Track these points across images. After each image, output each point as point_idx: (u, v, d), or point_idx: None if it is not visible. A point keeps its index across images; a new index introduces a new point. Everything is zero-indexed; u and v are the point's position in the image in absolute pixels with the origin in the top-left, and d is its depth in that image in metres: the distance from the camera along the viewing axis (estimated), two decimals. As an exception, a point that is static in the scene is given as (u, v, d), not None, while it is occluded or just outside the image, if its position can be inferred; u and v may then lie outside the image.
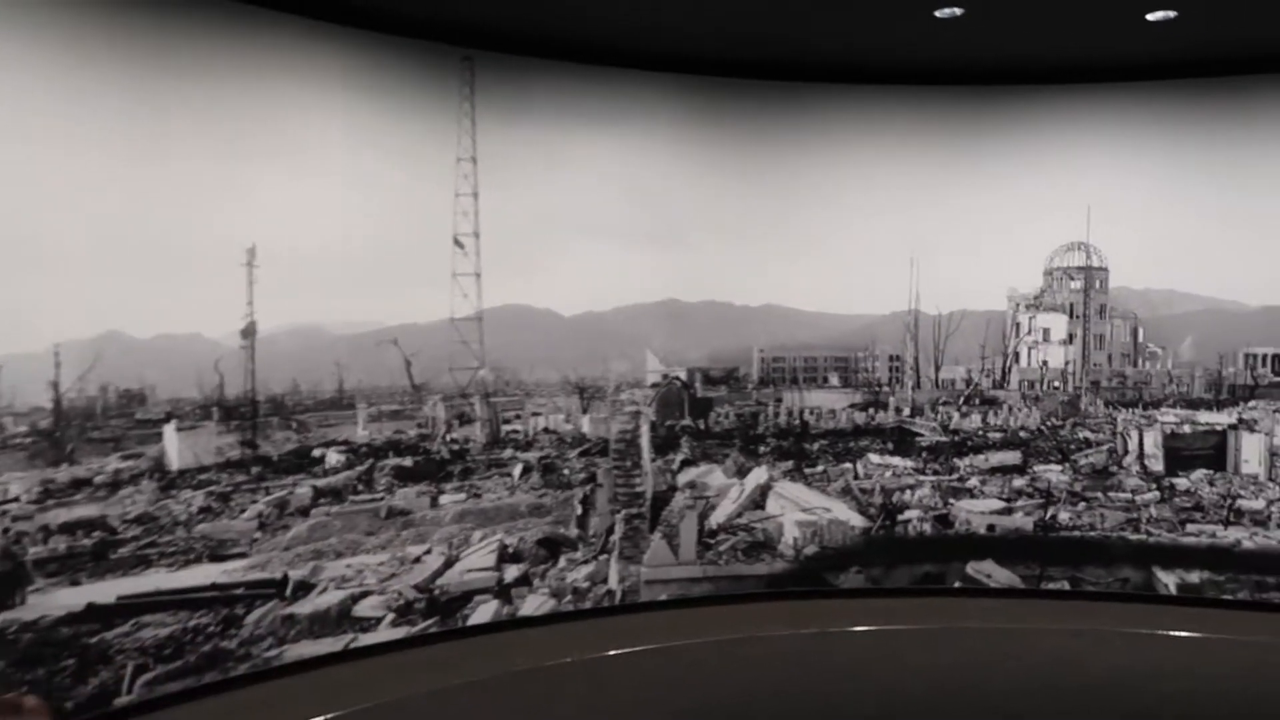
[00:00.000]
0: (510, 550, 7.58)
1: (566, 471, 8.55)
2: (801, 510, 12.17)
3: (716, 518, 12.53)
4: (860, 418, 13.48)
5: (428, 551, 6.87)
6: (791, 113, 9.32)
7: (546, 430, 8.94)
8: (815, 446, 12.66)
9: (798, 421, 13.54)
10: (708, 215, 9.50)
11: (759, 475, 13.34)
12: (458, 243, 7.30)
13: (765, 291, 10.12)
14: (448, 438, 7.43)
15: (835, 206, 9.78)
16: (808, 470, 11.77)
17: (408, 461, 6.95)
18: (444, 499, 7.14)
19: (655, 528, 9.09)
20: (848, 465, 12.95)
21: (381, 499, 6.72)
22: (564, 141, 8.26)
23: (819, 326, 11.53)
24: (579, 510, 8.51)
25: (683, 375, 11.35)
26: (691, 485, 11.75)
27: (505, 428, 8.41)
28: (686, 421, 10.96)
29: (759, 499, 13.55)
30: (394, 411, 7.03)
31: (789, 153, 9.40)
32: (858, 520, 10.64)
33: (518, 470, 8.12)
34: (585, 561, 8.03)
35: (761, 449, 11.53)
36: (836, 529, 10.63)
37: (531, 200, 7.87)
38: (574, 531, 8.44)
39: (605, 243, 8.80)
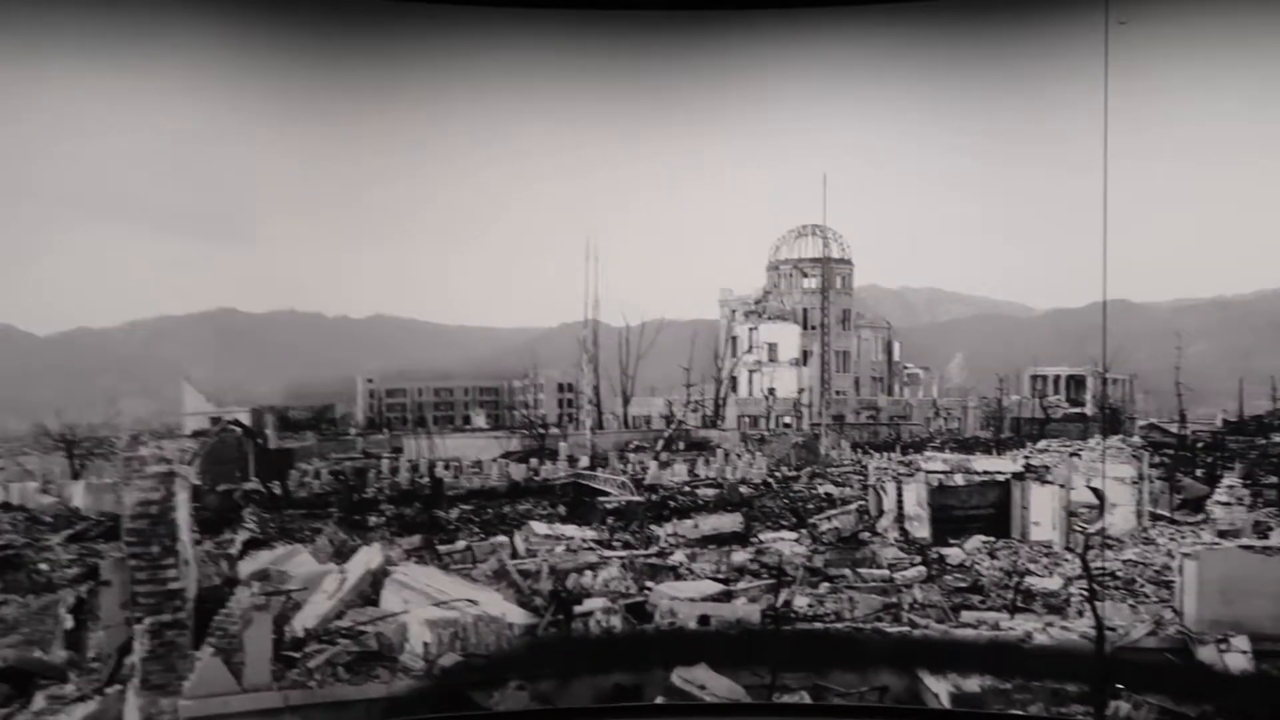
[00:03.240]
0: (-60, 689, 6.53)
1: (44, 566, 7.53)
2: (435, 604, 11.74)
3: (304, 620, 11.75)
4: (519, 472, 13.13)
5: None
6: (403, 43, 8.67)
7: (7, 506, 7.88)
8: (454, 514, 12.17)
9: (427, 479, 13.09)
10: (283, 191, 8.67)
11: (369, 557, 12.65)
12: None
13: (373, 297, 9.40)
14: None
15: (474, 177, 9.18)
16: (444, 548, 11.24)
17: None
18: None
19: (204, 641, 8.25)
20: (502, 539, 12.60)
21: None
22: (37, 83, 7.23)
23: (457, 345, 10.98)
24: (68, 623, 7.54)
25: (245, 418, 10.56)
26: (263, 576, 10.93)
27: (-76, 504, 7.31)
28: (253, 484, 10.13)
29: (370, 591, 13.02)
30: None
31: (401, 102, 8.73)
32: (518, 615, 10.20)
33: (-53, 569, 7.06)
34: (83, 697, 7.11)
35: (373, 520, 10.81)
36: (487, 628, 10.14)
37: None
38: (60, 654, 7.46)
39: (113, 228, 7.76)
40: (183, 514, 9.48)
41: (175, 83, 7.30)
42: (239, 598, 12.50)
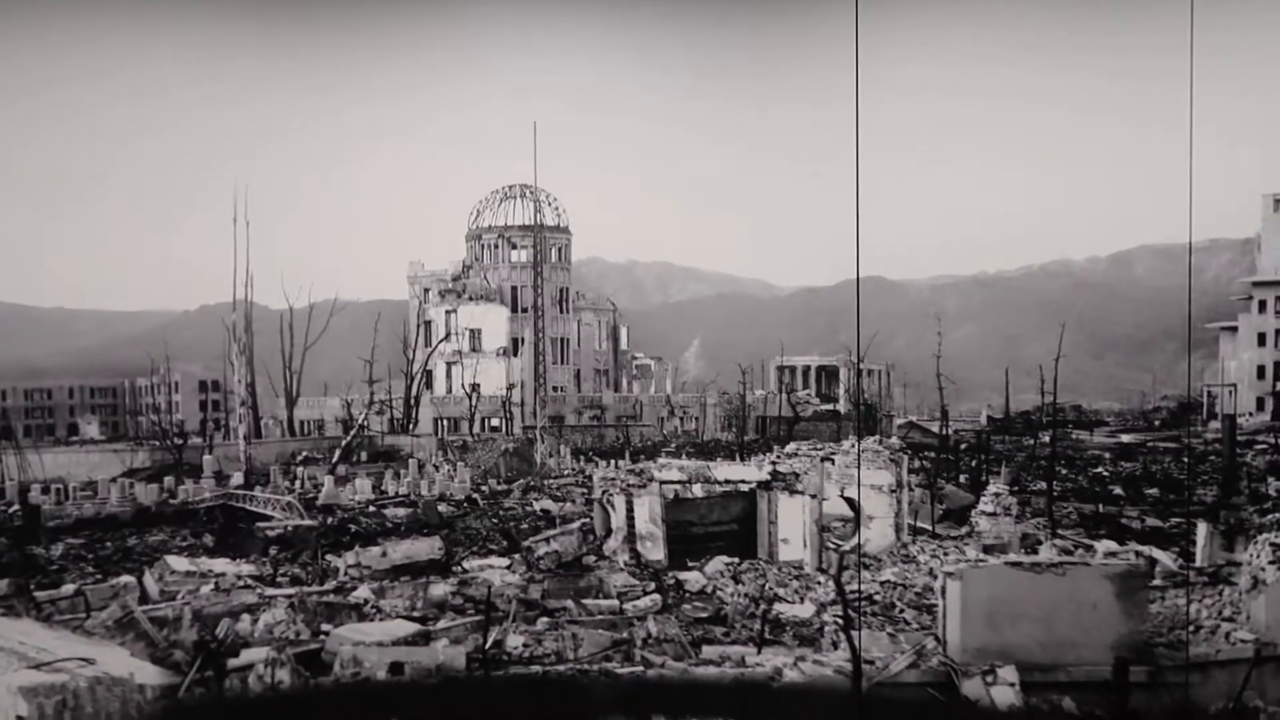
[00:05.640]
0: None
1: None
2: (33, 667, 10.57)
3: None
4: (149, 494, 12.00)
5: None
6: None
7: None
8: (57, 550, 10.92)
9: (18, 507, 11.80)
10: None
11: (-72, 613, 11.09)
12: None
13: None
14: None
15: (80, 117, 7.68)
16: (44, 594, 10.01)
17: None
18: None
19: None
20: (127, 579, 11.42)
21: None
22: None
23: (55, 333, 9.51)
24: None
25: None
26: None
27: None
28: None
29: (-63, 657, 11.98)
30: None
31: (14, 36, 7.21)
32: (151, 674, 9.02)
33: None
34: None
35: (-68, 562, 9.41)
36: (109, 693, 8.96)
37: None
38: None
39: None
40: None
41: None
42: None
